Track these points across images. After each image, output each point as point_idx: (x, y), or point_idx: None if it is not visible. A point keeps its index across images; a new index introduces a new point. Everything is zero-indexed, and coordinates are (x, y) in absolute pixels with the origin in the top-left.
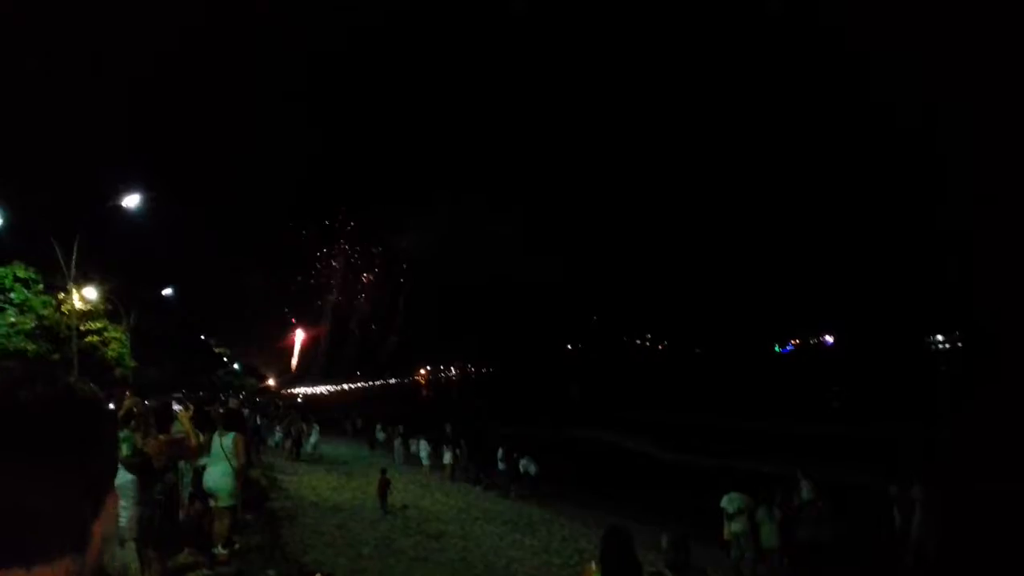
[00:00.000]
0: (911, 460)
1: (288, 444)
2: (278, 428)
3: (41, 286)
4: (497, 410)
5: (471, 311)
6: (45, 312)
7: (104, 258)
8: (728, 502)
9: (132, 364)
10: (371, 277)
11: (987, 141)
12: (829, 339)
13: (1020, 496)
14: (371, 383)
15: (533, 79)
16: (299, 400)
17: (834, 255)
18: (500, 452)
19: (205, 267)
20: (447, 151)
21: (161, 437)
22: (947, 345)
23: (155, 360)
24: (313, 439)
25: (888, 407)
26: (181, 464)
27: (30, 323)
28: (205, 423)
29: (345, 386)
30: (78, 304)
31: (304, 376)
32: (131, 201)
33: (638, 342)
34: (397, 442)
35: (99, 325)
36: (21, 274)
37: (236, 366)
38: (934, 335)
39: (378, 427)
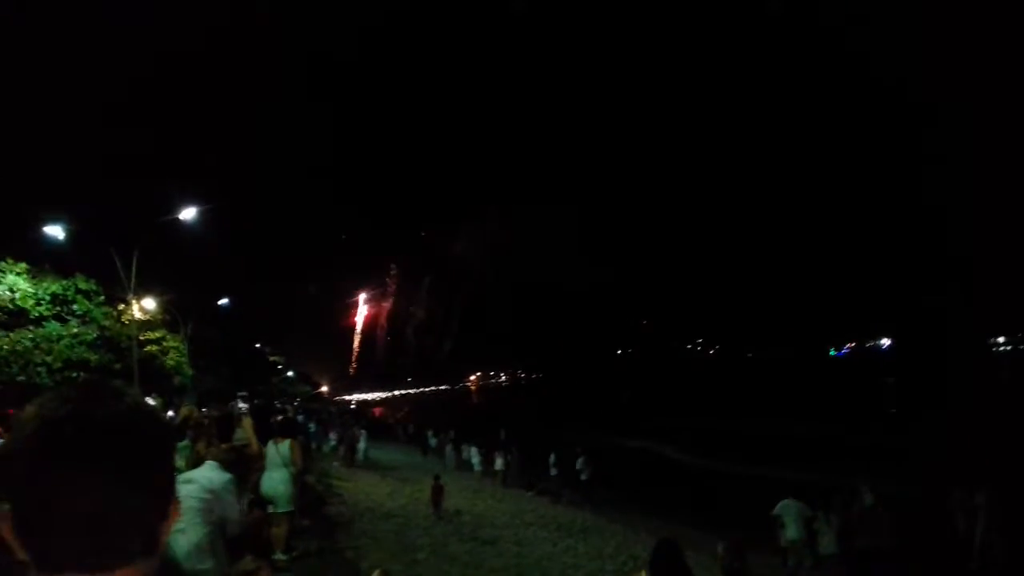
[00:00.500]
0: (969, 466)
1: (343, 450)
2: (332, 434)
3: (102, 298)
4: (548, 416)
5: (522, 317)
6: (106, 323)
7: (162, 270)
8: (783, 509)
9: (190, 372)
10: (427, 286)
11: None
12: (886, 342)
13: None
14: (422, 389)
15: (582, 84)
16: (352, 406)
17: (893, 255)
18: (552, 457)
19: (261, 277)
20: (500, 159)
21: (223, 446)
22: (1009, 347)
23: (212, 368)
24: (362, 445)
25: (945, 412)
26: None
27: (92, 334)
28: (265, 429)
29: (397, 392)
30: (138, 315)
31: (358, 382)
32: (188, 214)
33: (689, 347)
34: (449, 448)
35: (158, 335)
36: (83, 286)
37: (290, 373)
38: (996, 337)
39: (430, 433)
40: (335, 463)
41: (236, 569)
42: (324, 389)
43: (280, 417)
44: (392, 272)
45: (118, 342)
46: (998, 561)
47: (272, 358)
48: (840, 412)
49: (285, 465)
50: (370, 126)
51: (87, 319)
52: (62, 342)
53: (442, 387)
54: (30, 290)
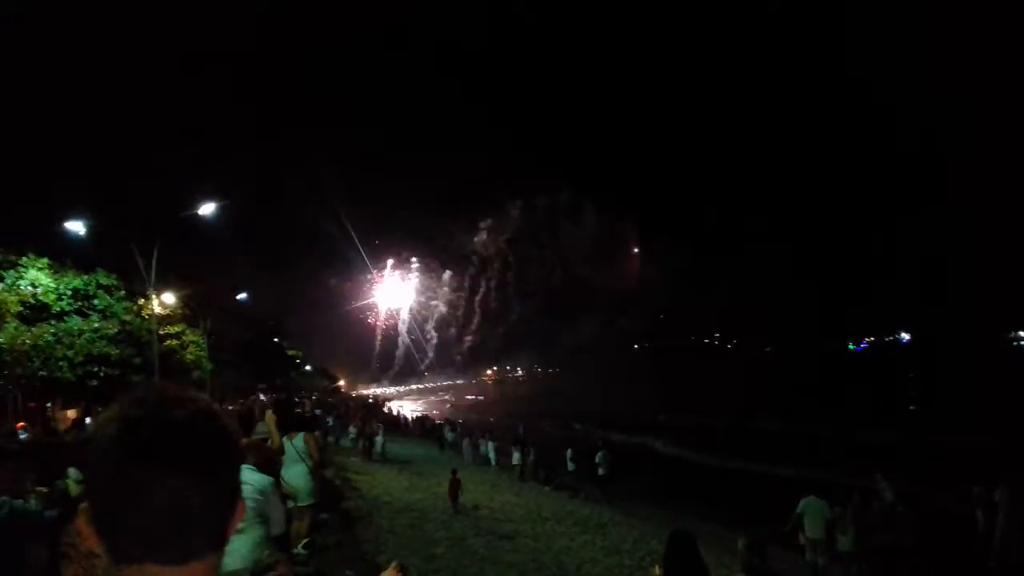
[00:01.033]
0: (990, 462)
1: (362, 445)
2: (351, 428)
3: (123, 292)
4: (565, 411)
5: (540, 310)
6: (127, 317)
7: (182, 265)
8: (806, 507)
9: (210, 367)
10: (448, 281)
11: None
12: (905, 336)
13: None
14: (439, 384)
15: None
16: (371, 400)
17: (911, 250)
18: (569, 452)
19: (280, 271)
20: (519, 153)
21: (245, 440)
22: None
23: (231, 363)
24: (379, 439)
25: (966, 409)
26: None
27: (113, 328)
28: (287, 423)
29: (414, 386)
30: (157, 309)
31: (376, 377)
32: (207, 210)
33: (706, 341)
34: (466, 442)
35: (178, 329)
36: (104, 281)
37: (308, 367)
38: (1016, 331)
39: (447, 427)
40: (353, 458)
41: (257, 563)
42: (342, 383)
43: (296, 411)
44: (413, 265)
45: (138, 336)
46: (1018, 558)
47: (290, 352)
48: (859, 408)
49: (303, 459)
50: (392, 118)
51: (108, 314)
52: (83, 336)
53: (459, 382)
54: (52, 285)
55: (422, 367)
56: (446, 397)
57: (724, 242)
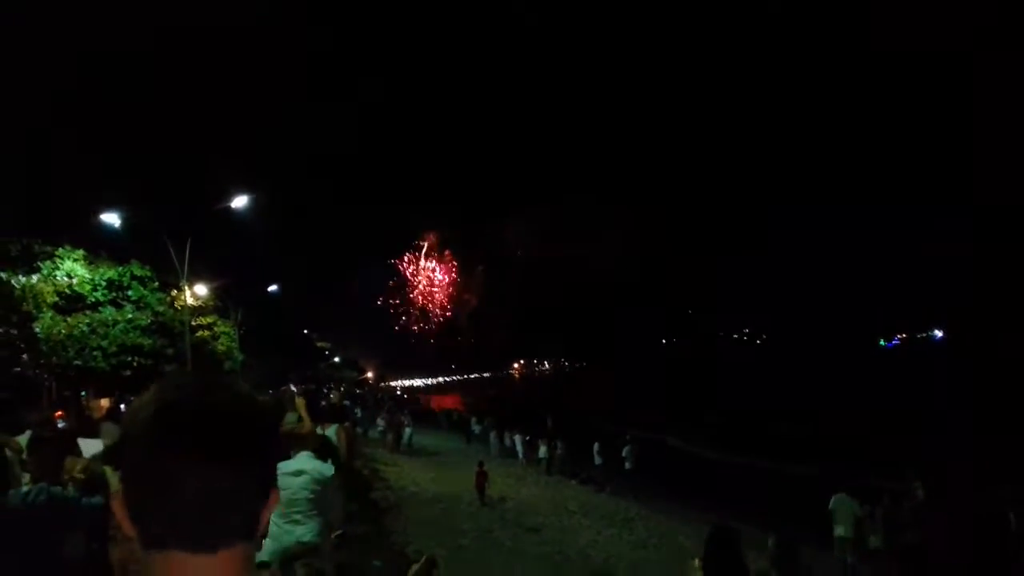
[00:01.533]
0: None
1: (391, 437)
2: (380, 420)
3: (156, 284)
4: (592, 405)
5: (567, 305)
6: (160, 308)
7: (214, 257)
8: (837, 504)
9: (240, 358)
10: (480, 274)
11: None
12: (938, 333)
13: None
14: (466, 376)
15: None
16: (398, 392)
17: (946, 246)
18: (597, 446)
19: (310, 263)
20: (554, 147)
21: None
22: None
23: (261, 354)
24: (408, 431)
25: (997, 405)
26: None
27: (146, 319)
28: (313, 415)
29: (441, 379)
30: (190, 301)
31: (405, 368)
32: (239, 202)
33: (735, 336)
34: (492, 435)
35: (209, 320)
36: (137, 272)
37: (336, 359)
38: None
39: (474, 420)
40: (381, 449)
41: (285, 552)
42: (370, 375)
43: (324, 403)
44: (447, 259)
45: (171, 327)
46: None
47: (319, 344)
48: (889, 405)
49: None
50: (424, 112)
51: (141, 304)
52: (117, 327)
53: (486, 374)
54: (87, 276)
55: (450, 360)
56: (473, 389)
57: (754, 235)
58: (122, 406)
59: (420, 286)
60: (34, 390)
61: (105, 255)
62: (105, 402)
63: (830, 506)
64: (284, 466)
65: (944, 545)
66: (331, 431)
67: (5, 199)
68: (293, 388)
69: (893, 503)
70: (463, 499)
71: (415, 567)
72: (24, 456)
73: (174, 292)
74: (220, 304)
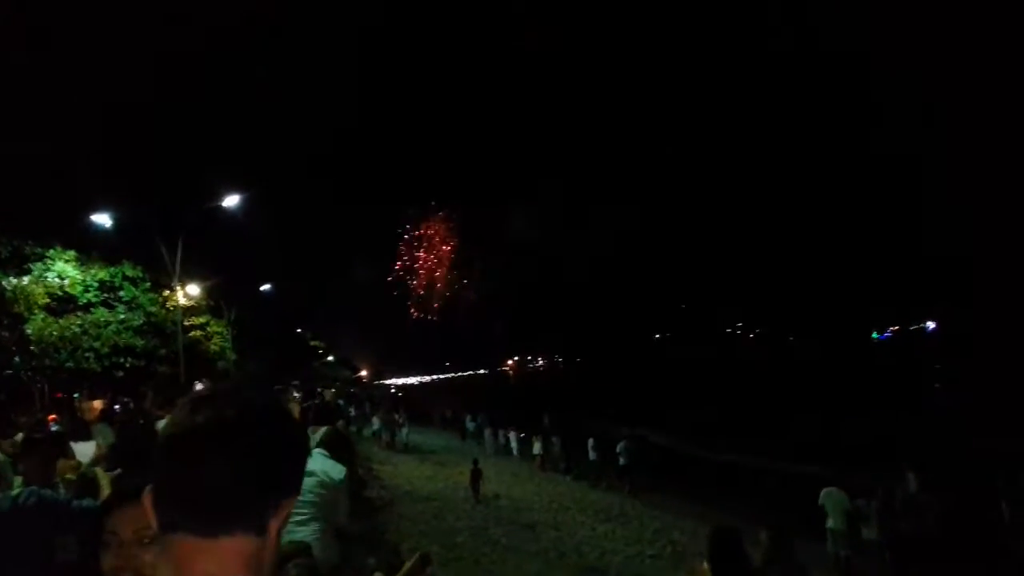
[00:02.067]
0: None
1: (387, 436)
2: (375, 418)
3: (148, 284)
4: (586, 401)
5: (563, 301)
6: (152, 309)
7: (206, 256)
8: (826, 498)
9: (233, 357)
10: (479, 269)
11: None
12: (931, 325)
13: None
14: (460, 373)
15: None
16: (392, 391)
17: (941, 236)
18: (591, 442)
19: (302, 262)
20: (552, 147)
21: None
22: None
23: (254, 353)
24: (405, 430)
25: (990, 395)
26: None
27: (139, 319)
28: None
29: (435, 376)
30: (182, 301)
31: (398, 366)
32: (231, 201)
33: (728, 330)
34: (487, 432)
35: (202, 320)
36: (129, 272)
37: (330, 358)
38: None
39: (468, 418)
40: (376, 448)
41: (280, 552)
42: (364, 373)
43: (316, 402)
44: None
45: (163, 328)
46: None
47: (313, 343)
48: (881, 400)
49: (322, 453)
50: (422, 104)
51: (134, 305)
52: (109, 328)
53: (480, 371)
54: (78, 277)
55: (445, 357)
56: (466, 386)
57: (748, 230)
58: (116, 407)
59: (422, 259)
60: (26, 392)
61: (96, 256)
62: (98, 404)
63: (820, 500)
64: None
65: (938, 535)
66: (319, 435)
67: None
68: (296, 394)
69: (887, 494)
70: (458, 496)
71: (408, 564)
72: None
73: (166, 292)
74: (213, 304)
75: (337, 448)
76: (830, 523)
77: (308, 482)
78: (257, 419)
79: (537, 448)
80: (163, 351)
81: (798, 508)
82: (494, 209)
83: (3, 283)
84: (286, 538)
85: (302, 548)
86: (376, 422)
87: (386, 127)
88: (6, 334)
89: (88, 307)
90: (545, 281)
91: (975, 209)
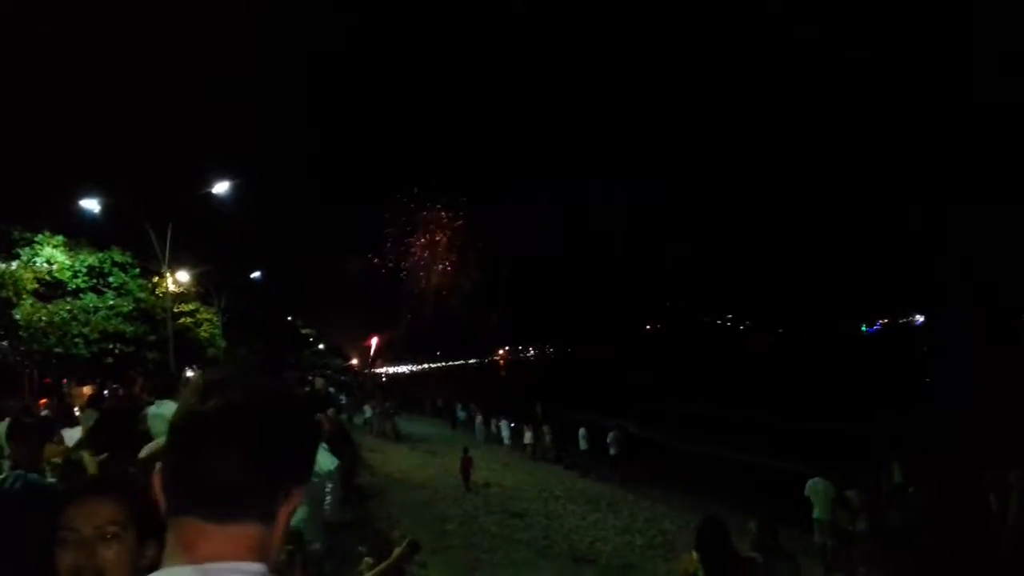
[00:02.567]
0: (1003, 444)
1: (378, 426)
2: (366, 407)
3: (137, 270)
4: (575, 392)
5: (554, 291)
6: (141, 295)
7: (196, 243)
8: (811, 489)
9: (223, 344)
10: (474, 258)
11: None
12: (920, 318)
13: None
14: (452, 362)
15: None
16: (384, 380)
17: (929, 228)
18: (583, 431)
19: (292, 249)
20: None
21: None
22: None
23: (245, 341)
24: (397, 419)
25: (977, 389)
26: None
27: (128, 306)
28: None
29: (426, 365)
30: (172, 287)
31: (387, 355)
32: (221, 188)
33: (718, 322)
34: (478, 421)
35: (192, 307)
36: (118, 258)
37: (321, 346)
38: None
39: (459, 406)
40: (367, 436)
41: None
42: (355, 362)
43: (307, 390)
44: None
45: (153, 314)
46: None
47: (304, 331)
48: (868, 395)
49: None
50: (413, 93)
51: (123, 291)
52: (98, 314)
53: (471, 360)
54: (67, 262)
55: (436, 346)
56: (457, 375)
57: (740, 221)
58: (105, 392)
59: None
60: (15, 378)
61: (85, 241)
62: (87, 389)
63: (806, 491)
64: None
65: (926, 527)
66: None
67: None
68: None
69: (873, 485)
70: (448, 485)
71: (397, 550)
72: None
73: (156, 278)
74: (202, 291)
75: (338, 442)
76: (817, 513)
77: None
78: (268, 406)
79: (528, 437)
80: (152, 338)
81: (786, 498)
82: (490, 199)
83: None
84: None
85: (292, 535)
86: (368, 410)
87: (380, 115)
88: None
89: (77, 293)
90: (538, 272)
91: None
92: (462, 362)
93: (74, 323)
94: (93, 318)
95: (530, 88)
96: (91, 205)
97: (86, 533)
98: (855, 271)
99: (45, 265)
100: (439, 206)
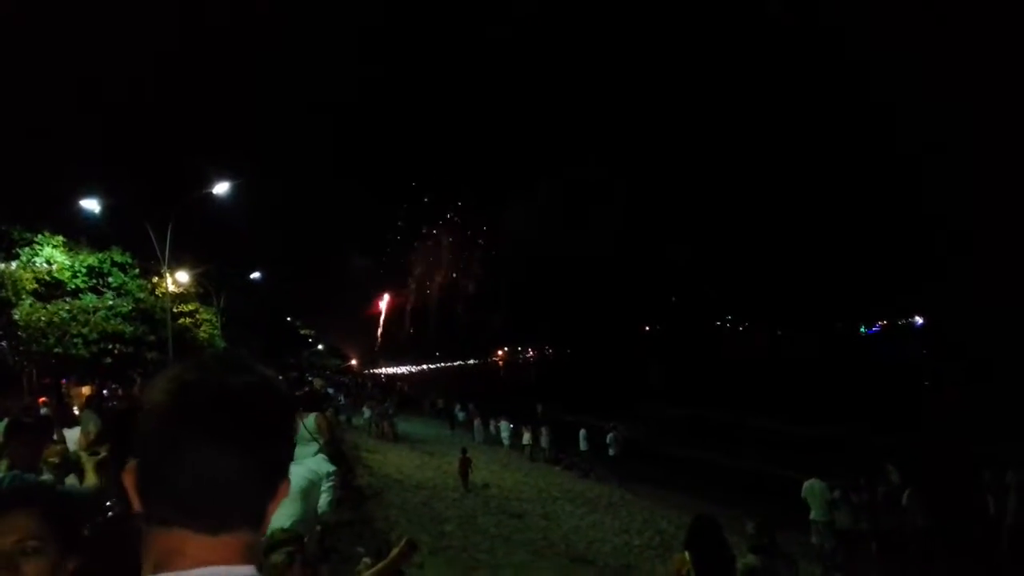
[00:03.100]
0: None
1: (377, 426)
2: (365, 407)
3: (137, 270)
4: (574, 392)
5: (554, 292)
6: (141, 295)
7: (196, 243)
8: (808, 490)
9: (223, 345)
10: (476, 259)
11: None
12: (919, 320)
13: None
14: (451, 363)
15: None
16: (383, 380)
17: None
18: (583, 432)
19: (293, 251)
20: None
21: None
22: None
23: (244, 341)
24: (395, 420)
25: (975, 389)
26: None
27: (127, 306)
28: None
29: (425, 366)
30: (171, 287)
31: (386, 356)
32: (222, 188)
33: (718, 323)
34: (477, 422)
35: (191, 307)
36: (118, 259)
37: (320, 346)
38: None
39: (458, 407)
40: (366, 436)
41: (269, 539)
42: (353, 362)
43: (306, 389)
44: (441, 244)
45: (152, 314)
46: None
47: (303, 331)
48: (868, 399)
49: (314, 438)
50: (416, 95)
51: (122, 291)
52: (98, 314)
53: (470, 361)
54: (67, 263)
55: (435, 346)
56: (456, 375)
57: (737, 224)
58: (104, 392)
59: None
60: (14, 378)
61: (85, 241)
62: (86, 390)
63: (803, 492)
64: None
65: (921, 527)
66: (310, 419)
67: None
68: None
69: (870, 487)
70: (447, 486)
71: (395, 550)
72: None
73: (155, 279)
74: (202, 291)
75: (335, 459)
76: (814, 515)
77: (300, 470)
78: (261, 397)
79: (527, 438)
80: (152, 338)
81: (783, 500)
82: (493, 204)
83: None
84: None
85: (293, 537)
86: (367, 411)
87: (383, 120)
88: None
89: (76, 293)
90: (539, 274)
91: (972, 204)
92: (460, 363)
93: (73, 323)
94: (92, 318)
95: (531, 89)
96: (91, 205)
97: (5, 547)
98: (855, 272)
99: (44, 265)
100: (448, 215)
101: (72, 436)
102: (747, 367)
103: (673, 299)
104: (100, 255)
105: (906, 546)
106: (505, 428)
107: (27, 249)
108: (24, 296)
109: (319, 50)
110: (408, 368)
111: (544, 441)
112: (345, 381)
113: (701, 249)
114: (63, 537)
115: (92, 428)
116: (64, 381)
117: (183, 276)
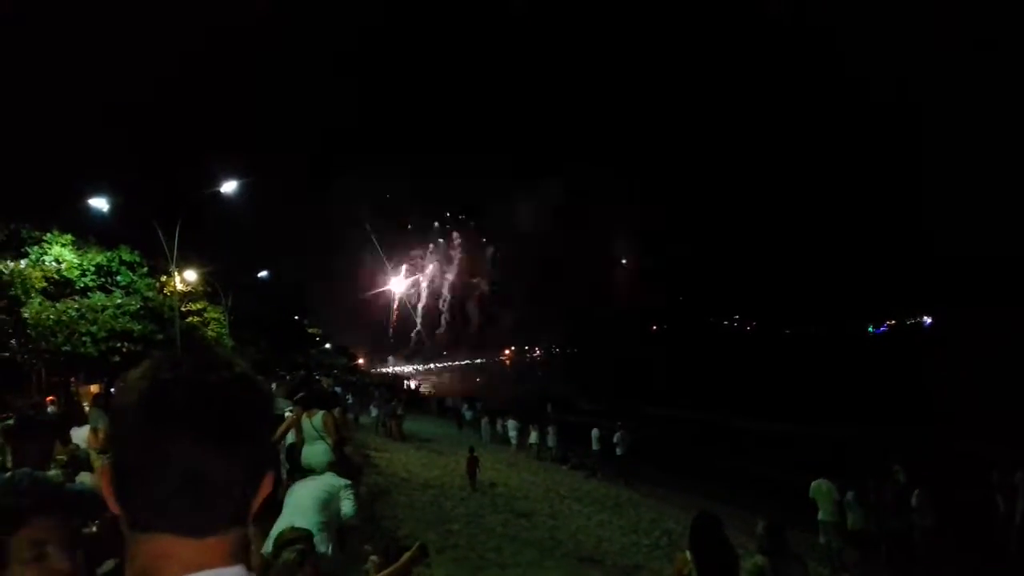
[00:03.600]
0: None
1: (386, 426)
2: (372, 406)
3: (145, 269)
4: (582, 392)
5: (560, 290)
6: (149, 294)
7: (204, 242)
8: (816, 491)
9: (230, 344)
10: (490, 257)
11: None
12: (928, 319)
13: None
14: (458, 362)
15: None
16: (389, 379)
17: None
18: (596, 432)
19: (301, 249)
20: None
21: None
22: None
23: (252, 340)
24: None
25: (984, 390)
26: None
27: (135, 304)
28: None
29: (433, 365)
30: (179, 286)
31: (394, 354)
32: (229, 187)
33: (725, 323)
34: (484, 421)
35: (199, 306)
36: (127, 257)
37: (328, 345)
38: None
39: (465, 406)
40: (373, 435)
41: (278, 538)
42: (361, 361)
43: (313, 387)
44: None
45: (160, 313)
46: None
47: (311, 330)
48: (874, 397)
49: (322, 437)
50: (429, 88)
51: (131, 290)
52: (106, 312)
53: (477, 360)
54: (75, 261)
55: (442, 345)
56: (464, 375)
57: (745, 222)
58: (112, 390)
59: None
60: (23, 376)
61: (94, 240)
62: (94, 388)
63: (811, 492)
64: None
65: (930, 527)
66: (317, 418)
67: None
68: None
69: (878, 487)
70: (454, 485)
71: (407, 554)
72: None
73: (163, 277)
74: (210, 290)
75: (344, 471)
76: (821, 515)
77: (316, 483)
78: (241, 392)
79: (534, 437)
80: (160, 336)
81: (791, 500)
82: (506, 195)
83: (0, 267)
84: (289, 523)
85: (304, 535)
86: (374, 410)
87: (384, 115)
88: (3, 317)
89: (85, 291)
90: (549, 274)
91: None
92: (467, 362)
93: (82, 322)
94: (101, 317)
95: (533, 89)
96: (99, 204)
97: (24, 556)
98: (863, 272)
99: (53, 264)
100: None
101: (81, 434)
102: (753, 366)
103: (680, 298)
104: (109, 254)
105: (915, 547)
106: (512, 427)
107: (36, 248)
108: (33, 295)
109: (324, 48)
110: (416, 367)
111: (551, 440)
112: (353, 380)
113: (706, 248)
114: (75, 537)
115: (100, 426)
116: (73, 379)
117: (191, 275)
